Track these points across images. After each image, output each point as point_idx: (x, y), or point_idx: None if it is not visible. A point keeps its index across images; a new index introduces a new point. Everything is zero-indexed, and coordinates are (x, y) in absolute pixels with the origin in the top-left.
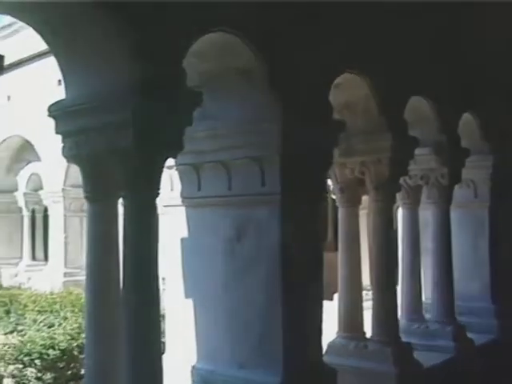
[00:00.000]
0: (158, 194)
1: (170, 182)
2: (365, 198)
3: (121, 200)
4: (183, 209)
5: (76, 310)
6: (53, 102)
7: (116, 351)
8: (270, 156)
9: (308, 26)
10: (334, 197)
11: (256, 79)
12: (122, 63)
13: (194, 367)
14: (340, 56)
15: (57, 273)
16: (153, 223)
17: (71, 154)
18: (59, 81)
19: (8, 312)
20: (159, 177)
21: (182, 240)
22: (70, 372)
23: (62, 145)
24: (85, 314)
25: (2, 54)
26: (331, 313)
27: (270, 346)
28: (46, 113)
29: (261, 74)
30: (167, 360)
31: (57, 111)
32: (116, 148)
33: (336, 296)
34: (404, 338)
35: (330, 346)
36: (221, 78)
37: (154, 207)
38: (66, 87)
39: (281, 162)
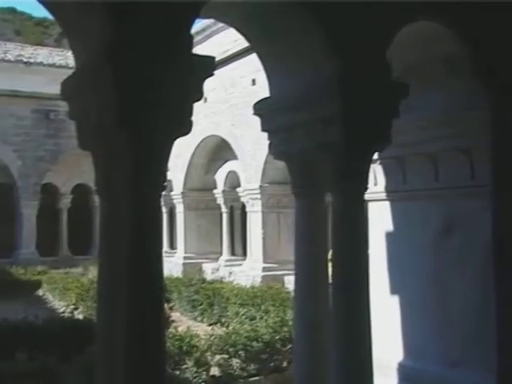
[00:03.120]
0: (367, 188)
1: (374, 176)
2: None
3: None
4: (387, 203)
5: (277, 303)
6: (257, 100)
7: (324, 345)
8: (480, 146)
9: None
10: None
11: (461, 67)
12: (324, 60)
13: (399, 364)
14: None
15: (256, 267)
16: (362, 218)
17: (279, 150)
18: (253, 80)
19: (212, 304)
20: (367, 171)
21: (388, 234)
22: (272, 364)
23: (268, 142)
24: (293, 307)
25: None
26: None
27: (485, 344)
28: (241, 112)
29: (466, 61)
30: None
31: (262, 109)
32: (324, 143)
33: None
34: None
35: None
36: (425, 67)
37: (362, 202)
38: (271, 85)
39: (492, 151)
